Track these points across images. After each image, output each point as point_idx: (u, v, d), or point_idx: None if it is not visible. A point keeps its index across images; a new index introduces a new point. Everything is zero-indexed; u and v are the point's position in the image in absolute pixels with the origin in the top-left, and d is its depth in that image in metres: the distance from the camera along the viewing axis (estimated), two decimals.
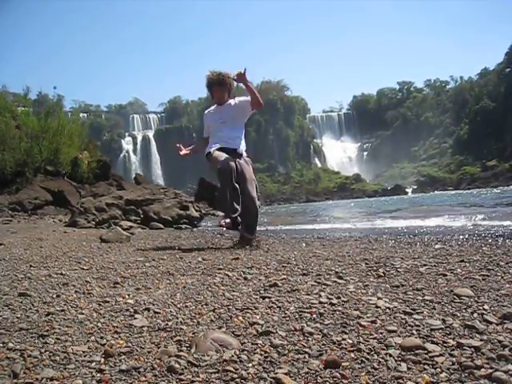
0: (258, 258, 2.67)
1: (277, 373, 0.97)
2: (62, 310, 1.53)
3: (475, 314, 1.30)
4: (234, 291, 1.75)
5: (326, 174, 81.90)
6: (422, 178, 65.05)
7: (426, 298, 1.51)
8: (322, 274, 2.03)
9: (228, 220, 3.41)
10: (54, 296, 1.75)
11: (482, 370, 0.94)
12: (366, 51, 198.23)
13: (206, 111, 3.96)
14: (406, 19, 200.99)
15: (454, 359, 1.00)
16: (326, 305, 1.47)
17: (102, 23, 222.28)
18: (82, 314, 1.48)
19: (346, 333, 1.20)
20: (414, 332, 1.18)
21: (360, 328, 1.23)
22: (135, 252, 3.25)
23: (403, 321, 1.27)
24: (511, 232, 3.88)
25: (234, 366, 1.01)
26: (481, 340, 1.09)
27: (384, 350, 1.07)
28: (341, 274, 1.99)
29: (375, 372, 0.96)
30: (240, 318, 1.37)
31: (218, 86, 3.72)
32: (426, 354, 1.03)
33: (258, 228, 3.67)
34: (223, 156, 3.45)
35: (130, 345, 1.17)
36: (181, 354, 1.08)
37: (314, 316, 1.36)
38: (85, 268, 2.46)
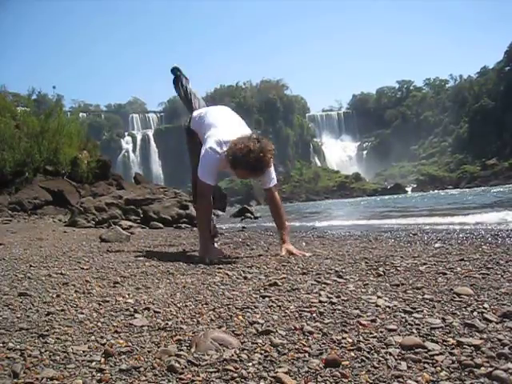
0: (258, 257, 2.67)
1: (277, 372, 0.97)
2: (62, 310, 1.52)
3: (475, 313, 1.30)
4: (233, 290, 1.75)
5: (326, 172, 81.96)
6: (421, 176, 65.12)
7: (425, 296, 1.51)
8: (321, 273, 2.03)
9: None
10: (54, 296, 1.75)
11: (482, 368, 0.94)
12: (366, 50, 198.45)
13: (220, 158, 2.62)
14: (406, 18, 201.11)
15: (453, 358, 1.00)
16: (325, 304, 1.47)
17: (101, 22, 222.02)
18: (82, 313, 1.48)
19: (346, 332, 1.20)
20: (414, 331, 1.18)
21: (360, 327, 1.23)
22: (135, 251, 3.25)
23: (403, 319, 1.27)
24: (511, 230, 3.88)
25: (234, 365, 1.01)
26: (481, 338, 1.09)
27: (384, 348, 1.07)
28: (341, 273, 1.98)
29: (375, 371, 0.96)
30: (240, 317, 1.37)
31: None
32: (425, 352, 1.03)
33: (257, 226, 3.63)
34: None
35: (130, 344, 1.16)
36: (181, 353, 1.08)
37: (314, 315, 1.36)
38: (85, 268, 2.46)
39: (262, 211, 11.87)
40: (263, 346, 1.12)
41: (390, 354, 1.04)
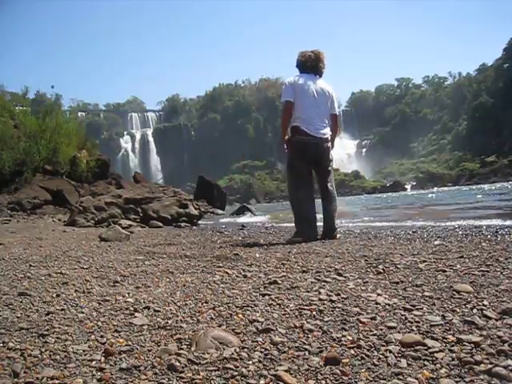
0: (258, 256, 2.67)
1: (277, 370, 0.97)
2: (62, 309, 1.52)
3: (475, 310, 1.30)
4: (233, 289, 1.75)
5: None
6: (420, 174, 65.04)
7: (425, 294, 1.51)
8: (321, 271, 2.03)
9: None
10: (54, 295, 1.75)
11: (482, 365, 0.94)
12: (364, 47, 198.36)
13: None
14: (405, 15, 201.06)
15: (453, 355, 1.00)
16: (325, 302, 1.47)
17: (100, 22, 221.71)
18: (82, 312, 1.48)
19: (345, 329, 1.20)
20: (414, 328, 1.18)
21: (360, 324, 1.23)
22: (135, 250, 3.25)
23: (403, 317, 1.27)
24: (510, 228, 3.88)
25: (235, 363, 1.01)
26: (480, 335, 1.09)
27: (384, 346, 1.07)
28: (340, 271, 1.99)
29: (375, 368, 0.96)
30: (240, 315, 1.37)
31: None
32: (425, 349, 1.03)
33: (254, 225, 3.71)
34: None
35: (130, 343, 1.17)
36: (181, 352, 1.08)
37: (314, 313, 1.36)
38: (84, 267, 2.46)
39: (261, 210, 11.87)
40: (263, 344, 1.13)
41: (390, 351, 1.04)
